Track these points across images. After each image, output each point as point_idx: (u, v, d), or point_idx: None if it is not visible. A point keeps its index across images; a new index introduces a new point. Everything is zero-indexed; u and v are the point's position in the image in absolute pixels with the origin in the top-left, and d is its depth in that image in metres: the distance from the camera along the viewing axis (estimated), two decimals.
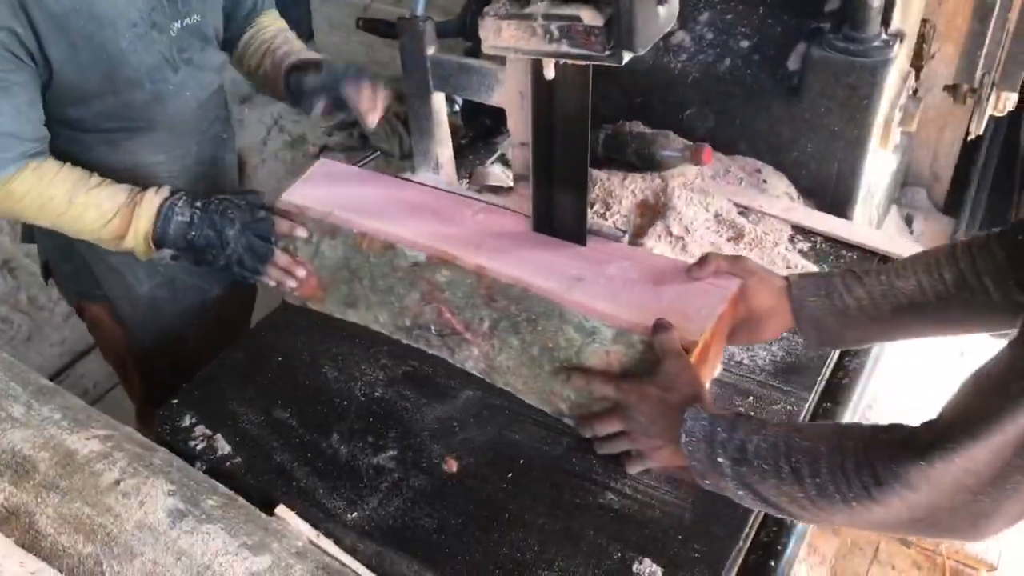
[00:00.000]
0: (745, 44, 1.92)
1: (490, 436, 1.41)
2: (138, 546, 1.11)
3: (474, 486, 1.33)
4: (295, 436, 1.42)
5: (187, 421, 1.46)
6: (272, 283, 1.65)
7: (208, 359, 1.61)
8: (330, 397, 1.49)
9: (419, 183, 1.68)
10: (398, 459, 1.38)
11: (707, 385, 1.40)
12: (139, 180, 1.63)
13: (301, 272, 1.63)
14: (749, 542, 1.27)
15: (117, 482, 1.18)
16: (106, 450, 1.23)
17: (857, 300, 1.28)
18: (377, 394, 1.49)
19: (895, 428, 1.03)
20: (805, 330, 1.34)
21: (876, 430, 1.04)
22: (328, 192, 1.66)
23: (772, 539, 1.30)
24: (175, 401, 1.50)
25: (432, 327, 1.53)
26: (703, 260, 1.39)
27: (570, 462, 1.36)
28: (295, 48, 1.84)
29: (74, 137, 1.61)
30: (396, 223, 1.58)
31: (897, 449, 0.97)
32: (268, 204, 1.65)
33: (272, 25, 1.90)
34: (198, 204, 1.57)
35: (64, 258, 1.86)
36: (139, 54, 1.55)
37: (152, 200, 1.56)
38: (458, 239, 1.54)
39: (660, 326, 1.31)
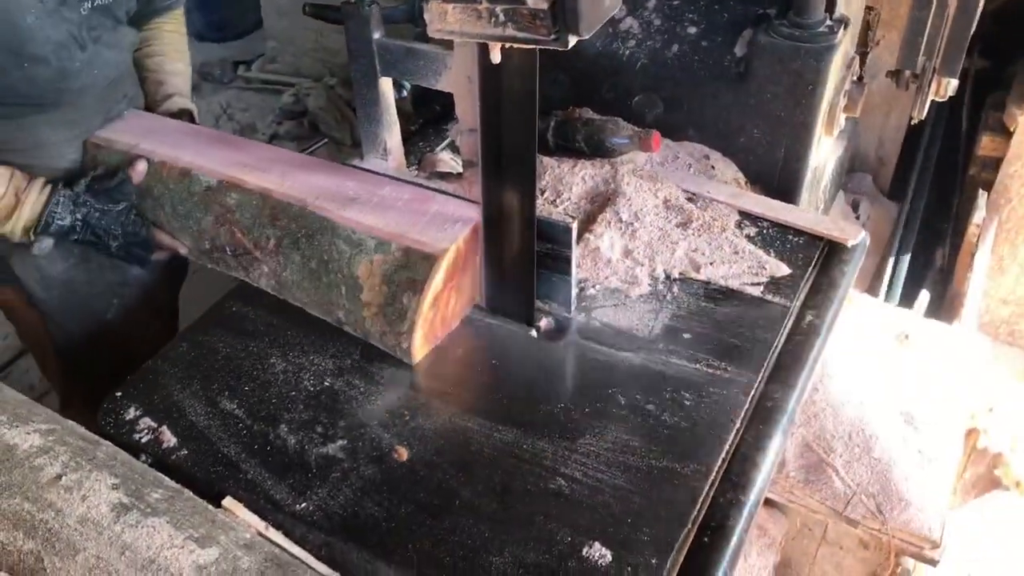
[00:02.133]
0: (693, 30, 1.93)
1: (440, 424, 1.41)
2: (81, 541, 1.09)
3: (424, 474, 1.33)
4: (242, 427, 1.41)
5: (131, 414, 1.44)
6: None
7: (134, 340, 1.64)
8: (278, 387, 1.47)
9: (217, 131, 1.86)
10: (347, 449, 1.37)
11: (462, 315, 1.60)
12: (42, 159, 1.67)
13: (183, 250, 1.74)
14: (697, 525, 1.28)
15: (59, 476, 1.16)
16: (48, 444, 1.21)
17: None
18: (326, 384, 1.48)
19: None
20: None
21: None
22: (136, 132, 1.81)
23: (721, 522, 1.31)
24: (118, 394, 1.47)
25: (227, 248, 1.65)
26: None
27: (520, 448, 1.36)
28: (174, 84, 1.97)
29: None
30: (192, 152, 1.73)
31: None
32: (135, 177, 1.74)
33: (168, 34, 1.97)
34: (79, 215, 1.64)
35: None
36: (45, 30, 1.54)
37: (35, 200, 1.62)
38: (247, 165, 1.69)
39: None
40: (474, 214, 1.52)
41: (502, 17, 1.18)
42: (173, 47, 1.98)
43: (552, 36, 1.17)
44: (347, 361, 1.52)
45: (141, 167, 1.71)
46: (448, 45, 1.42)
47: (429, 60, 1.47)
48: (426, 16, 1.24)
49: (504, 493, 1.30)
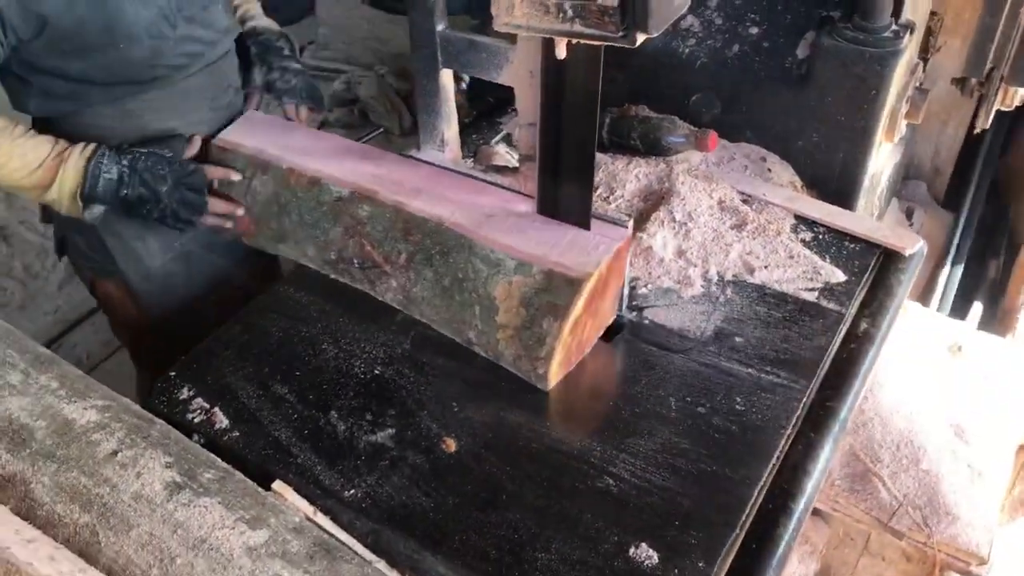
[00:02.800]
0: (754, 31, 1.91)
1: (488, 417, 1.41)
2: (134, 517, 1.10)
3: (472, 466, 1.33)
4: (293, 412, 1.42)
5: (184, 394, 1.45)
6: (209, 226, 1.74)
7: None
8: (329, 374, 1.48)
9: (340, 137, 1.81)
10: (396, 437, 1.37)
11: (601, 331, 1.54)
12: (138, 127, 1.66)
13: (240, 211, 1.71)
14: (745, 530, 1.27)
15: (114, 452, 1.17)
16: (104, 420, 1.22)
17: None
18: (376, 372, 1.48)
19: None
20: None
21: None
22: (259, 135, 1.76)
23: (768, 527, 1.30)
24: (172, 373, 1.49)
25: (355, 260, 1.60)
26: None
27: (568, 444, 1.36)
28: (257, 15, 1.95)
29: (79, 92, 1.61)
30: (322, 162, 1.67)
31: None
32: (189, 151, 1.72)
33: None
34: (125, 162, 1.60)
35: (79, 233, 1.84)
36: (136, 7, 1.55)
37: (78, 159, 1.60)
38: (379, 178, 1.63)
39: None
40: (616, 236, 1.46)
41: (570, 13, 1.17)
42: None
43: (620, 33, 1.16)
44: (397, 350, 1.52)
45: (233, 176, 1.71)
46: (511, 38, 1.42)
47: (491, 53, 1.46)
48: (493, 9, 1.24)
49: (551, 489, 1.30)
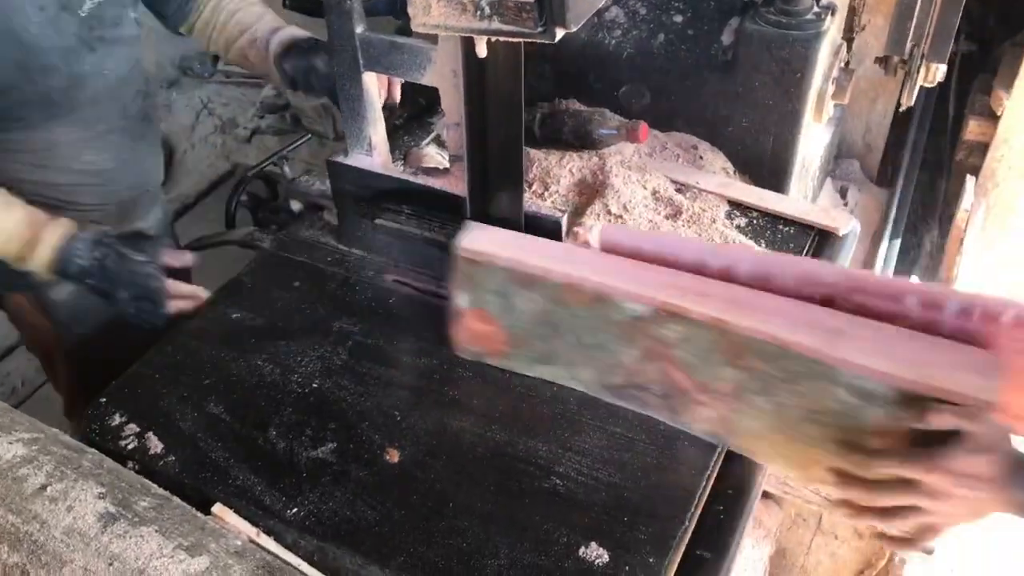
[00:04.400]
0: (679, 19, 1.91)
1: (432, 424, 1.39)
2: (67, 553, 1.07)
3: (417, 476, 1.31)
4: (230, 432, 1.38)
5: (116, 420, 1.41)
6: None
7: (144, 346, 1.57)
8: (266, 390, 1.45)
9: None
10: (338, 451, 1.35)
11: None
12: (55, 160, 1.61)
13: (204, 294, 1.63)
14: (695, 521, 1.27)
15: (43, 487, 1.13)
16: (31, 454, 1.18)
17: None
18: (315, 385, 1.46)
19: None
20: None
21: None
22: (512, 246, 1.42)
23: (718, 516, 1.30)
24: (103, 400, 1.45)
25: (653, 387, 1.36)
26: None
27: (514, 447, 1.34)
28: (268, 21, 1.82)
29: None
30: (601, 272, 1.33)
31: None
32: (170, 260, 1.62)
33: None
34: (97, 254, 1.54)
35: None
36: (51, 38, 1.50)
37: (52, 239, 1.53)
38: (682, 288, 1.29)
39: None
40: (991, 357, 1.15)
41: (488, 10, 1.15)
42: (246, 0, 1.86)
43: (539, 29, 1.14)
44: (336, 362, 1.50)
45: (188, 306, 1.63)
46: (432, 39, 1.40)
47: (413, 54, 1.44)
48: (410, 10, 1.21)
49: (498, 494, 1.28)
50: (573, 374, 1.43)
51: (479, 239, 1.42)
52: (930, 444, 1.09)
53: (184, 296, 1.63)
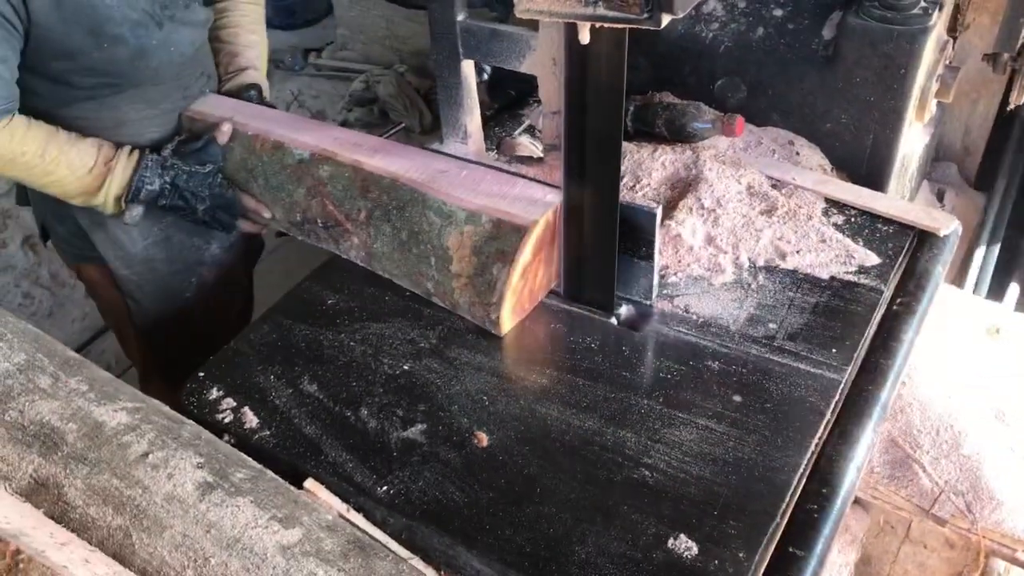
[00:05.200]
0: (779, 12, 1.88)
1: (520, 410, 1.39)
2: (167, 518, 1.09)
3: (505, 460, 1.31)
4: (323, 410, 1.41)
5: (214, 394, 1.45)
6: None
7: (212, 318, 1.68)
8: (357, 371, 1.47)
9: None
10: (427, 433, 1.36)
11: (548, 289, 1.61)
12: (123, 136, 1.70)
13: (267, 213, 1.76)
14: (786, 519, 1.24)
15: (145, 454, 1.16)
16: (134, 422, 1.21)
17: None
18: (405, 367, 1.47)
19: None
20: None
21: None
22: (227, 108, 1.82)
23: (809, 516, 1.28)
24: (201, 374, 1.49)
25: (319, 220, 1.67)
26: None
27: (602, 436, 1.34)
28: (247, 56, 1.96)
29: (59, 92, 1.63)
30: (284, 127, 1.75)
31: None
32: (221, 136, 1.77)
33: (245, 5, 1.96)
34: (168, 177, 1.68)
35: (59, 220, 1.86)
36: (122, 8, 1.56)
37: (124, 166, 1.66)
38: (338, 140, 1.71)
39: None
40: (558, 196, 1.51)
41: None
42: (249, 19, 1.98)
43: (644, 15, 1.14)
44: (425, 345, 1.51)
45: (226, 128, 1.74)
46: (532, 26, 1.40)
47: (513, 42, 1.44)
48: None
49: (586, 482, 1.28)
50: (272, 214, 1.75)
51: (204, 103, 1.83)
52: None
53: (250, 210, 1.77)
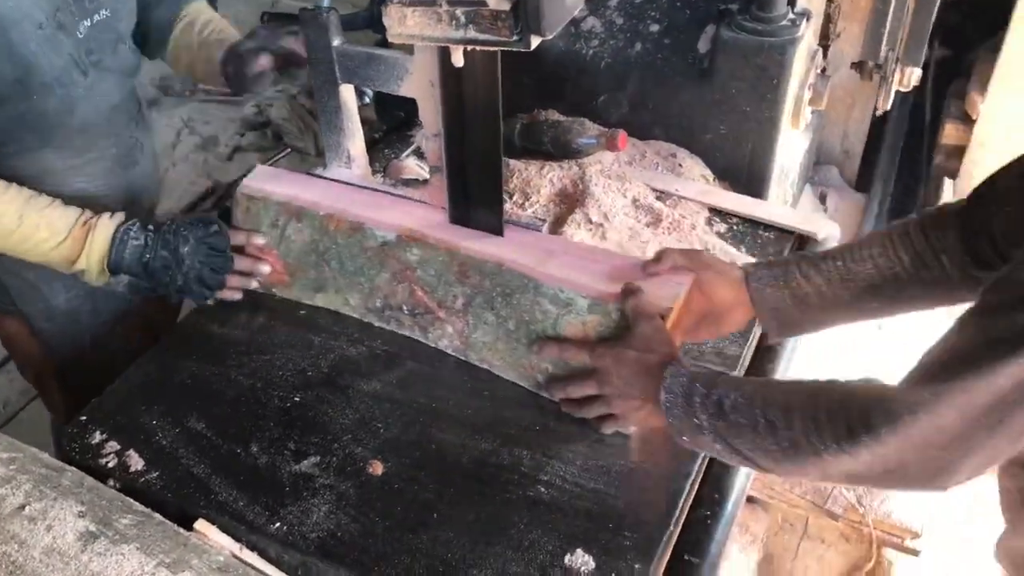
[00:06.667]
0: (655, 28, 1.92)
1: (415, 435, 1.38)
2: (47, 573, 1.05)
3: (401, 488, 1.30)
4: (212, 448, 1.37)
5: (97, 437, 1.40)
6: (237, 296, 1.62)
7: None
8: (247, 405, 1.44)
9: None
10: (321, 465, 1.34)
11: None
12: (48, 186, 1.57)
13: (266, 268, 1.61)
14: (680, 526, 1.26)
15: (22, 507, 1.12)
16: (9, 474, 1.17)
17: (815, 287, 1.28)
18: (296, 399, 1.45)
19: (870, 385, 1.05)
20: (765, 320, 1.34)
21: (851, 386, 1.06)
22: (287, 183, 1.63)
23: (703, 522, 1.30)
24: (83, 418, 1.43)
25: (404, 307, 1.53)
26: (659, 255, 1.38)
27: (498, 456, 1.34)
28: (233, 35, 1.80)
29: None
30: (362, 207, 1.56)
31: (870, 404, 0.99)
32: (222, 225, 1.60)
33: (204, 15, 1.83)
34: (151, 228, 1.54)
35: None
36: (48, 56, 1.48)
37: (107, 225, 1.53)
38: (425, 221, 1.52)
39: (629, 291, 1.31)
40: (685, 276, 1.37)
41: (463, 19, 1.16)
42: (213, 19, 1.85)
43: (515, 37, 1.15)
44: (316, 375, 1.49)
45: (256, 240, 1.61)
46: (409, 50, 1.40)
47: (390, 65, 1.44)
48: (385, 20, 1.22)
49: (483, 504, 1.27)
50: (345, 299, 1.59)
51: (258, 178, 1.63)
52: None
53: (244, 273, 1.62)
